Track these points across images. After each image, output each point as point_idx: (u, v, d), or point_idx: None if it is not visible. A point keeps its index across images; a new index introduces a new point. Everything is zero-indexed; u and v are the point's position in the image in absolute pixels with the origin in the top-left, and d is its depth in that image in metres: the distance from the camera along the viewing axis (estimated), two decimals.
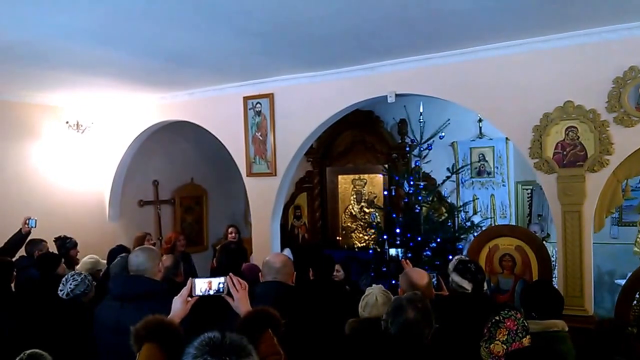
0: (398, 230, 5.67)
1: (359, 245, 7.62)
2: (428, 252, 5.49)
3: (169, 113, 6.46)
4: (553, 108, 4.21)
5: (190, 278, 2.35)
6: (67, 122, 6.65)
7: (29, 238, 5.14)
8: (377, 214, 7.34)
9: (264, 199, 5.80)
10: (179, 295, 2.29)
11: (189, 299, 2.27)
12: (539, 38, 4.19)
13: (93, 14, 3.42)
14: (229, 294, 2.26)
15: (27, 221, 5.16)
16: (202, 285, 2.28)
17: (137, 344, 2.02)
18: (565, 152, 4.19)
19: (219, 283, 2.28)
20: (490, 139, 6.84)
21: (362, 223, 7.54)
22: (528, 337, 2.60)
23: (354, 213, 7.76)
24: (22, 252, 5.12)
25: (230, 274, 2.35)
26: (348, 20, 3.69)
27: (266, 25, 3.78)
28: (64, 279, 3.51)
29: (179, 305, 2.25)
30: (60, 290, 3.39)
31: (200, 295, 2.28)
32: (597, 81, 4.04)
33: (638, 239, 5.87)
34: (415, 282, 2.96)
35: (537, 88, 4.28)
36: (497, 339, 2.57)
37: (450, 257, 5.23)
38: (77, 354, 2.97)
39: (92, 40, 3.99)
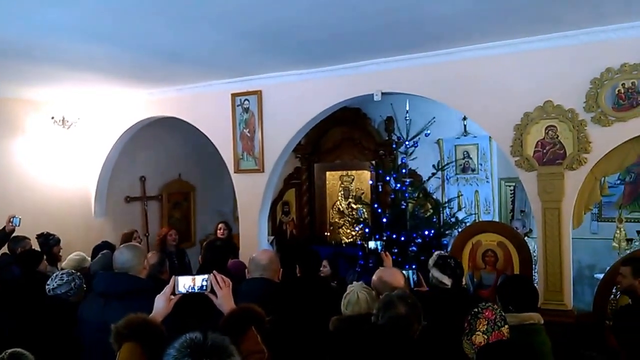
0: (384, 226, 5.75)
1: (347, 240, 7.70)
2: (414, 248, 5.58)
3: (156, 109, 6.46)
4: (533, 107, 4.31)
5: (173, 276, 2.31)
6: (52, 118, 6.63)
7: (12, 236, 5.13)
8: (364, 210, 7.42)
9: (252, 196, 5.84)
10: (161, 293, 2.25)
11: (172, 297, 2.24)
12: (520, 40, 4.28)
13: (80, 9, 3.42)
14: (213, 291, 2.23)
15: (11, 219, 5.13)
16: (185, 283, 2.24)
17: (117, 342, 1.98)
18: (545, 151, 4.29)
19: (203, 280, 2.24)
20: (475, 137, 6.96)
21: (349, 219, 7.61)
22: (506, 326, 2.68)
23: (341, 209, 7.84)
24: (5, 249, 5.10)
25: (214, 271, 2.32)
26: (336, 19, 3.74)
27: (254, 24, 3.81)
28: (53, 275, 3.47)
29: (161, 304, 2.21)
30: (47, 285, 3.36)
31: (183, 293, 2.24)
32: (575, 82, 4.14)
33: (617, 235, 6.02)
34: (396, 285, 2.96)
35: (518, 88, 4.38)
36: (477, 330, 2.63)
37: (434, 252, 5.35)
38: (59, 353, 2.93)
39: (79, 35, 3.99)
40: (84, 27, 3.81)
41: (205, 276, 2.26)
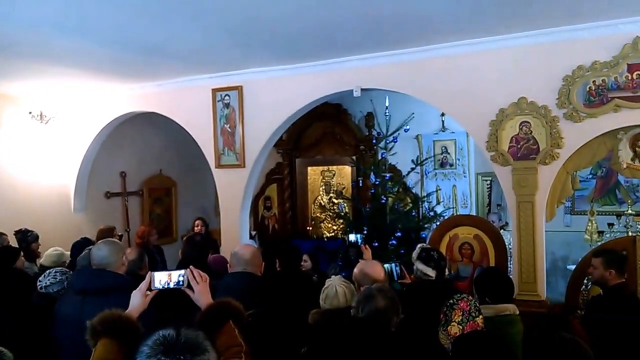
0: (365, 220, 5.84)
1: (328, 235, 7.77)
2: (393, 241, 5.67)
3: (136, 104, 6.41)
4: (508, 104, 4.42)
5: (149, 271, 2.31)
6: (30, 113, 6.53)
7: None
8: (345, 204, 7.50)
9: (233, 191, 5.86)
10: (137, 289, 2.24)
11: (148, 292, 2.23)
12: (496, 37, 4.37)
13: (59, 3, 3.40)
14: (190, 286, 2.22)
15: None
16: (162, 279, 2.24)
17: (93, 339, 1.97)
18: (519, 146, 4.41)
19: (179, 276, 2.24)
20: (452, 132, 7.09)
21: (330, 213, 7.69)
22: (481, 316, 2.76)
23: (323, 204, 7.92)
24: None
25: (191, 266, 2.31)
26: (316, 16, 3.78)
27: (235, 19, 3.83)
28: (47, 272, 3.44)
29: (137, 299, 2.20)
30: (39, 282, 3.35)
31: (159, 289, 2.24)
32: (548, 79, 4.26)
33: (588, 227, 6.20)
34: (377, 278, 3.01)
35: (494, 85, 4.48)
36: (453, 320, 2.70)
37: (416, 245, 5.44)
38: (38, 350, 2.92)
39: (58, 30, 3.96)
40: (63, 21, 3.79)
41: (182, 271, 2.25)
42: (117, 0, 3.37)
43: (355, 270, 3.16)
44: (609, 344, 2.92)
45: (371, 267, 3.15)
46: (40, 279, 3.37)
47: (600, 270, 3.46)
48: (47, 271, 3.46)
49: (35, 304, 3.26)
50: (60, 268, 3.59)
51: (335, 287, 2.90)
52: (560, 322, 3.80)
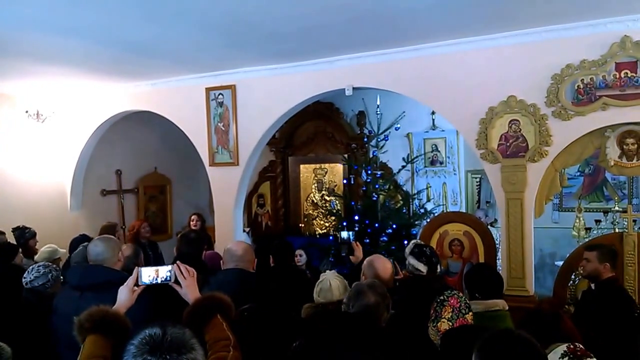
0: (356, 217, 5.90)
1: (320, 232, 7.83)
2: (384, 238, 5.73)
3: (131, 103, 6.44)
4: (497, 102, 4.48)
5: (136, 267, 2.33)
6: (26, 112, 6.55)
7: None
8: (337, 201, 7.57)
9: (227, 188, 5.90)
10: (124, 284, 2.25)
11: (135, 288, 2.24)
12: (485, 36, 4.44)
13: (52, 2, 3.42)
14: (177, 282, 2.24)
15: None
16: (149, 274, 2.25)
17: (80, 335, 1.98)
18: (508, 144, 4.48)
19: (167, 271, 2.26)
20: (443, 131, 7.15)
21: (323, 211, 7.74)
22: (470, 313, 2.81)
23: (315, 201, 7.98)
24: None
25: (178, 261, 2.34)
26: (307, 15, 3.82)
27: (226, 19, 3.86)
28: (29, 268, 3.46)
29: (124, 295, 2.21)
30: (24, 278, 3.36)
31: (146, 284, 2.25)
32: (537, 77, 4.32)
33: (576, 224, 6.30)
34: (380, 274, 3.08)
35: (483, 83, 4.54)
36: (442, 317, 2.76)
37: (406, 242, 5.51)
38: (38, 345, 2.93)
39: (52, 29, 3.98)
40: (57, 21, 3.81)
41: (169, 267, 2.28)
42: (109, 0, 3.40)
43: (365, 261, 3.24)
44: (600, 338, 2.97)
45: (380, 261, 3.21)
46: (24, 275, 3.37)
47: (594, 263, 3.48)
48: (30, 267, 3.47)
49: (24, 300, 3.28)
50: (42, 262, 3.62)
51: (329, 281, 2.96)
52: (551, 318, 3.88)
